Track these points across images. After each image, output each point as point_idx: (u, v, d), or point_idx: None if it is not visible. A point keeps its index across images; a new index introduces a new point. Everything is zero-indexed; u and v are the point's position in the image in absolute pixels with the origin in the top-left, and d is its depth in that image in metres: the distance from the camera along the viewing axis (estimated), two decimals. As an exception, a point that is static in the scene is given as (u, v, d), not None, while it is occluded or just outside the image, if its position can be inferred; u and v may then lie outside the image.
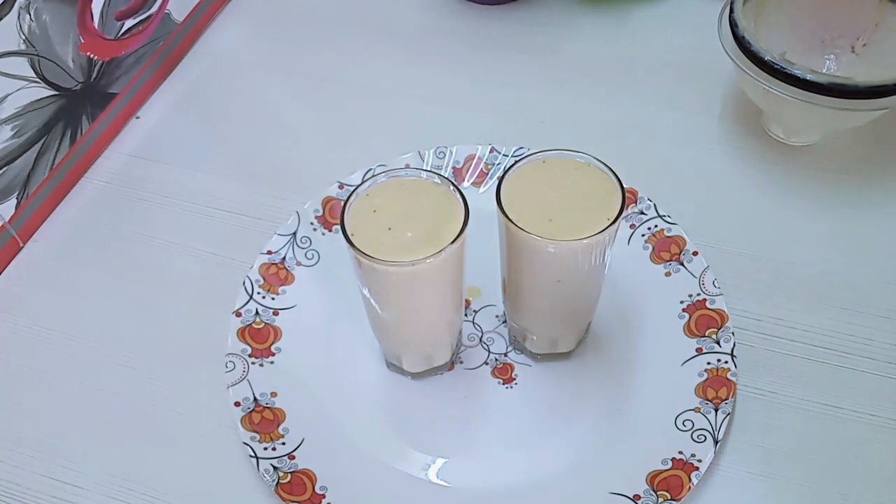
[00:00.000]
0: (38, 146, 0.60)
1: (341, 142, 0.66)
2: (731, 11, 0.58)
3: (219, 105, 0.70)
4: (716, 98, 0.67)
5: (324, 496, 0.46)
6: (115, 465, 0.49)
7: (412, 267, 0.41)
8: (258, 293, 0.54)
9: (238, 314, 0.53)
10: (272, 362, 0.52)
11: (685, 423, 0.48)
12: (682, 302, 0.53)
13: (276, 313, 0.54)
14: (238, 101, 0.70)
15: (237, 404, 0.49)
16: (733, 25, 0.58)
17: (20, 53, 0.57)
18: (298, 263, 0.56)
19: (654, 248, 0.56)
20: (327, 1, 0.78)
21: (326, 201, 0.59)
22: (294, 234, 0.57)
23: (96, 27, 0.63)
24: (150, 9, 0.67)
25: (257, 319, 0.53)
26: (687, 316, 0.52)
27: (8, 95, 0.56)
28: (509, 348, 0.53)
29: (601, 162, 0.44)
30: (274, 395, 0.50)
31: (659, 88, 0.68)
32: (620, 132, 0.65)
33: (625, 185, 0.44)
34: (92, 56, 0.63)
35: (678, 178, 0.62)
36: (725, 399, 0.48)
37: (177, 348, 0.54)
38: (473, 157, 0.61)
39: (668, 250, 0.55)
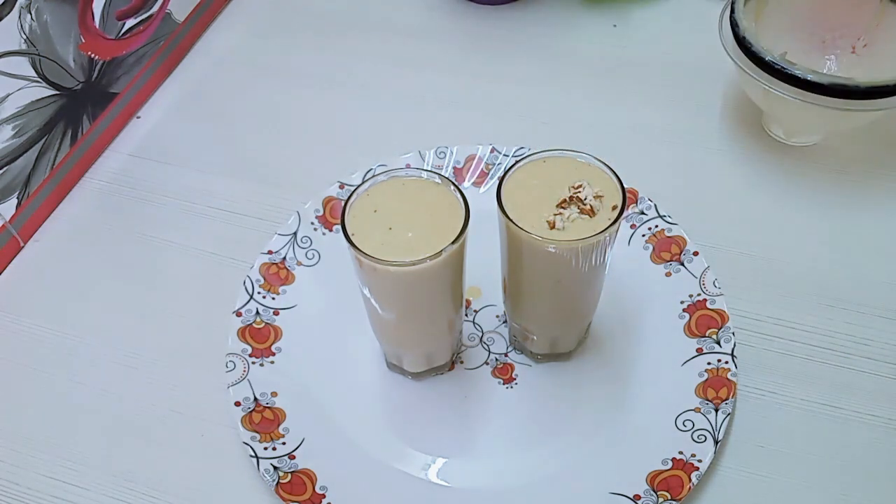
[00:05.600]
0: (38, 146, 0.60)
1: (341, 142, 0.66)
2: (732, 12, 0.58)
3: (219, 105, 0.70)
4: (716, 98, 0.67)
5: (324, 496, 0.46)
6: (115, 465, 0.50)
7: (412, 267, 0.41)
8: (259, 293, 0.54)
9: (238, 314, 0.53)
10: (272, 362, 0.52)
11: (685, 423, 0.48)
12: (682, 302, 0.53)
13: (276, 313, 0.54)
14: (238, 101, 0.70)
15: (237, 404, 0.50)
16: (734, 25, 0.58)
17: (21, 53, 0.57)
18: (299, 263, 0.56)
19: (654, 249, 0.56)
20: (327, 1, 0.78)
21: (327, 201, 0.59)
22: (294, 233, 0.57)
23: (97, 27, 0.63)
24: (150, 8, 0.68)
25: (258, 319, 0.53)
26: (687, 316, 0.52)
27: (9, 95, 0.56)
28: (509, 348, 0.53)
29: (601, 162, 0.44)
30: (274, 394, 0.50)
31: (659, 88, 0.68)
32: (620, 132, 0.65)
33: (625, 185, 0.44)
34: (93, 56, 0.63)
35: (678, 178, 0.62)
36: (726, 399, 0.48)
37: (177, 348, 0.54)
38: (474, 157, 0.61)
39: (668, 250, 0.55)
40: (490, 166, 0.61)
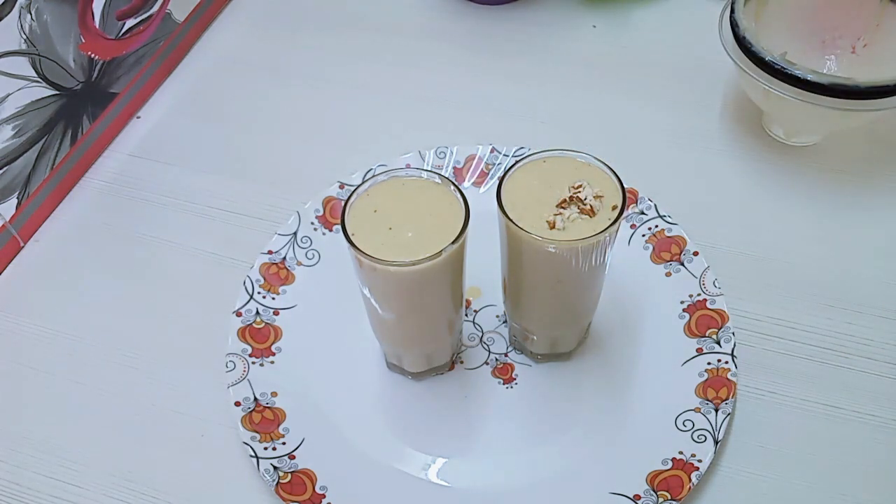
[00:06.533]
0: (38, 146, 0.60)
1: (341, 142, 0.66)
2: (732, 12, 0.58)
3: (219, 105, 0.70)
4: (716, 98, 0.67)
5: (324, 496, 0.46)
6: (115, 465, 0.49)
7: (412, 267, 0.41)
8: (259, 293, 0.54)
9: (238, 314, 0.53)
10: (272, 362, 0.52)
11: (685, 423, 0.48)
12: (682, 302, 0.53)
13: (276, 313, 0.54)
14: (238, 101, 0.70)
15: (237, 404, 0.50)
16: (734, 25, 0.58)
17: (21, 53, 0.57)
18: (299, 263, 0.56)
19: (654, 249, 0.56)
20: (327, 1, 0.78)
21: (327, 201, 0.59)
22: (294, 233, 0.57)
23: (97, 27, 0.63)
24: (150, 8, 0.68)
25: (258, 319, 0.53)
26: (687, 316, 0.52)
27: (9, 95, 0.56)
28: (509, 348, 0.53)
29: (601, 162, 0.44)
30: (274, 394, 0.50)
31: (659, 88, 0.68)
32: (621, 132, 0.65)
33: (625, 185, 0.44)
34: (93, 56, 0.63)
35: (678, 178, 0.62)
36: (725, 399, 0.48)
37: (177, 348, 0.54)
38: (474, 157, 0.61)
39: (668, 250, 0.55)
40: (490, 166, 0.61)
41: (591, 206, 0.43)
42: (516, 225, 0.42)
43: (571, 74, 0.70)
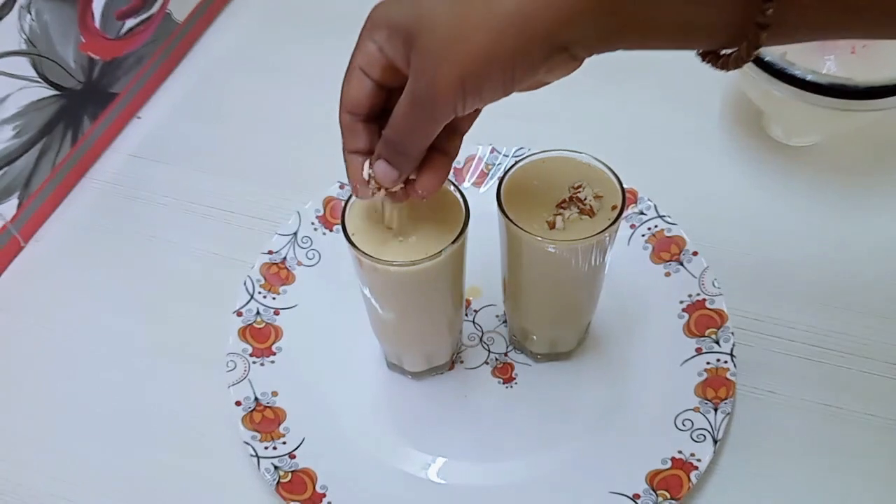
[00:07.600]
0: (39, 146, 0.60)
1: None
2: (732, 12, 0.58)
3: (219, 105, 0.70)
4: (716, 98, 0.67)
5: (324, 495, 0.46)
6: (115, 466, 0.50)
7: (412, 267, 0.41)
8: (259, 293, 0.55)
9: (239, 314, 0.53)
10: (273, 362, 0.52)
11: (685, 422, 0.48)
12: (681, 302, 0.53)
13: (277, 313, 0.54)
14: (238, 101, 0.70)
15: (238, 404, 0.50)
16: (733, 26, 0.58)
17: (21, 53, 0.57)
18: (299, 263, 0.56)
19: (654, 249, 0.56)
20: (327, 1, 0.78)
21: (327, 201, 0.59)
22: (295, 233, 0.57)
23: (97, 27, 0.63)
24: (151, 9, 0.68)
25: (258, 319, 0.53)
26: (687, 316, 0.53)
27: (9, 95, 0.56)
28: (509, 348, 0.53)
29: (601, 162, 0.44)
30: (275, 394, 0.51)
31: (659, 88, 0.68)
32: (621, 132, 0.65)
33: (625, 185, 0.44)
34: (93, 56, 0.63)
35: (678, 178, 0.62)
36: (725, 399, 0.48)
37: (177, 348, 0.54)
38: (474, 158, 0.61)
39: (667, 250, 0.55)
40: (490, 166, 0.61)
41: (590, 206, 0.43)
42: (516, 225, 0.42)
43: (571, 74, 0.70)
